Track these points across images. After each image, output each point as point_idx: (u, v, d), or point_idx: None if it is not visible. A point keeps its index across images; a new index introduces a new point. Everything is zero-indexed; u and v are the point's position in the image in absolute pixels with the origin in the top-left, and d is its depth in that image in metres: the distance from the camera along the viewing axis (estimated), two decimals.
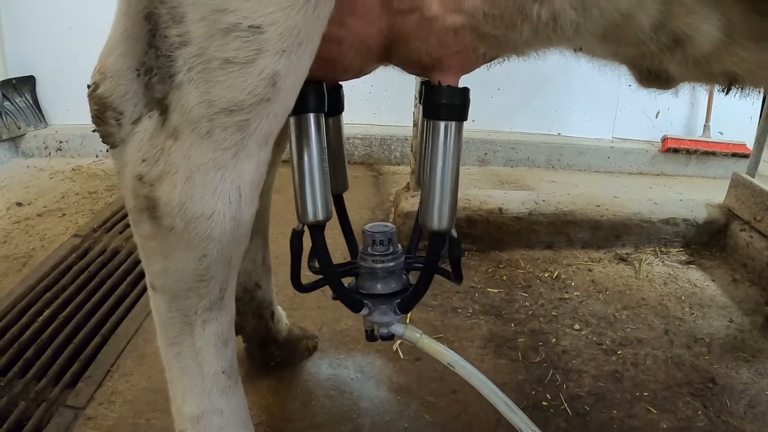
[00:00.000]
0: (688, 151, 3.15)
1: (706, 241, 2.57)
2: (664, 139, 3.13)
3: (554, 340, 1.93)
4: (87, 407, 1.60)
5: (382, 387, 1.70)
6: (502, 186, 2.79)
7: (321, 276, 1.29)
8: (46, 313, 2.00)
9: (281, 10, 0.81)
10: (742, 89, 1.12)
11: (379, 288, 1.31)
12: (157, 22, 0.86)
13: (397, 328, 1.33)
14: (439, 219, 1.14)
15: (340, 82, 1.26)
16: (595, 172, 3.17)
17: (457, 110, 1.08)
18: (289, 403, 1.63)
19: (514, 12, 0.92)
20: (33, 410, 1.61)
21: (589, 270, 2.35)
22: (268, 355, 1.74)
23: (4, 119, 3.41)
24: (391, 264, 1.32)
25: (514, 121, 3.19)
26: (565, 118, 3.17)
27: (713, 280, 2.39)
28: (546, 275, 2.29)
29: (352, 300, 1.29)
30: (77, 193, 2.98)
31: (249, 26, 0.82)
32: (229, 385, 1.11)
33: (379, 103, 2.90)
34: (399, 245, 1.36)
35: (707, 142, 3.20)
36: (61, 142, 3.51)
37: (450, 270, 1.29)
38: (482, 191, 2.45)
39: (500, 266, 2.33)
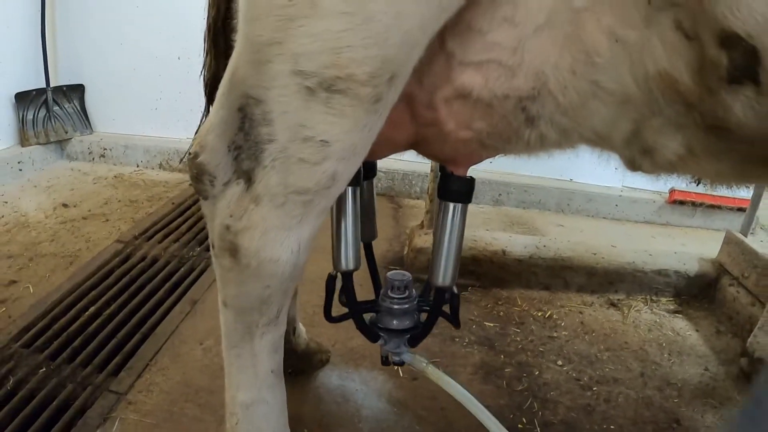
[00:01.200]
0: (693, 204, 3.44)
1: (697, 293, 2.84)
2: (671, 191, 3.41)
3: (537, 372, 2.25)
4: (128, 393, 1.95)
5: (382, 399, 2.04)
6: (511, 227, 3.10)
7: (347, 310, 1.66)
8: (92, 309, 2.36)
9: (345, 132, 1.14)
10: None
11: (395, 324, 1.67)
12: (250, 117, 1.20)
13: (407, 357, 1.69)
14: (443, 278, 1.51)
15: None
16: (603, 218, 3.45)
17: (464, 196, 1.45)
18: (302, 406, 1.97)
19: (510, 133, 1.25)
20: (79, 393, 1.95)
21: (580, 312, 2.66)
22: (288, 364, 2.08)
23: (53, 123, 3.83)
24: (405, 306, 1.68)
25: (529, 165, 3.50)
26: (578, 165, 3.47)
27: (697, 330, 2.67)
28: (539, 314, 2.61)
29: (371, 332, 1.65)
30: (119, 200, 3.35)
31: (320, 140, 1.14)
32: (276, 382, 1.48)
33: None
34: (414, 290, 1.72)
35: (713, 195, 3.47)
36: (104, 149, 3.92)
37: (451, 314, 1.67)
38: (489, 233, 2.79)
39: (499, 303, 2.66)
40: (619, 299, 2.79)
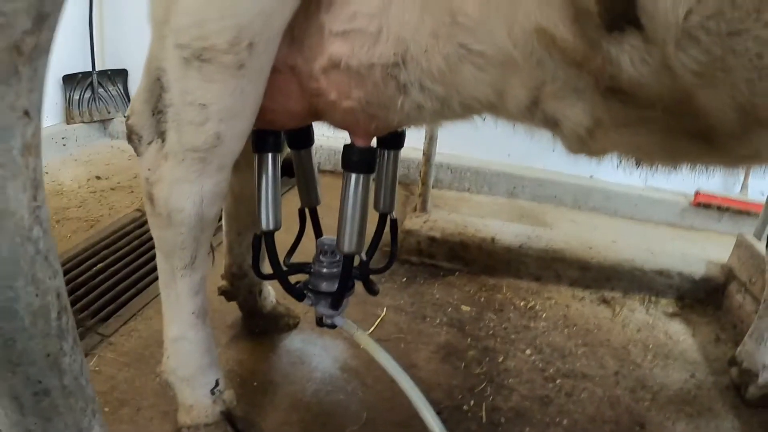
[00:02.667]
0: (719, 208, 3.31)
1: (703, 297, 2.76)
2: (697, 193, 3.29)
3: (501, 359, 2.28)
4: (111, 336, 2.19)
5: (336, 365, 2.14)
6: (520, 219, 3.11)
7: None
8: (100, 265, 2.61)
9: (218, 96, 1.30)
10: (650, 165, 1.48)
11: (323, 287, 1.77)
12: (161, 85, 1.37)
13: (338, 320, 1.78)
14: (349, 245, 1.60)
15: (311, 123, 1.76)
16: (621, 218, 3.38)
17: (364, 166, 1.53)
18: (259, 363, 2.13)
19: (387, 102, 1.33)
20: None
21: (566, 306, 2.65)
22: (254, 323, 2.26)
23: (97, 104, 4.17)
24: (334, 270, 1.78)
25: (548, 160, 3.48)
26: (599, 162, 3.42)
27: (693, 336, 2.60)
28: (522, 303, 2.62)
29: (295, 291, 1.76)
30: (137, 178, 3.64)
31: (199, 104, 1.31)
32: (197, 322, 1.64)
33: (420, 131, 3.34)
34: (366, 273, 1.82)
35: (742, 200, 3.33)
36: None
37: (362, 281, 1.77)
38: (481, 220, 2.83)
39: (483, 289, 2.69)
40: (613, 297, 2.76)
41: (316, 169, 1.90)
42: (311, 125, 1.79)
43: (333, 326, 1.79)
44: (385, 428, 1.91)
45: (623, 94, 1.09)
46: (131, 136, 1.52)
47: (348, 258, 1.62)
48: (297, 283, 1.80)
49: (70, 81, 4.03)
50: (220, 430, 1.71)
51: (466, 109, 1.32)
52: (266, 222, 1.63)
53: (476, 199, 3.34)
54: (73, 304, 2.34)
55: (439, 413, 1.97)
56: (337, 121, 1.47)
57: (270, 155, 1.61)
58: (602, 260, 2.72)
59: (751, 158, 1.25)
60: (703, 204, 3.24)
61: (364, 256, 1.68)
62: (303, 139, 1.79)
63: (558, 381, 2.21)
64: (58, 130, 3.86)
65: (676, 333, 2.61)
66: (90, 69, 4.12)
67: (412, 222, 2.76)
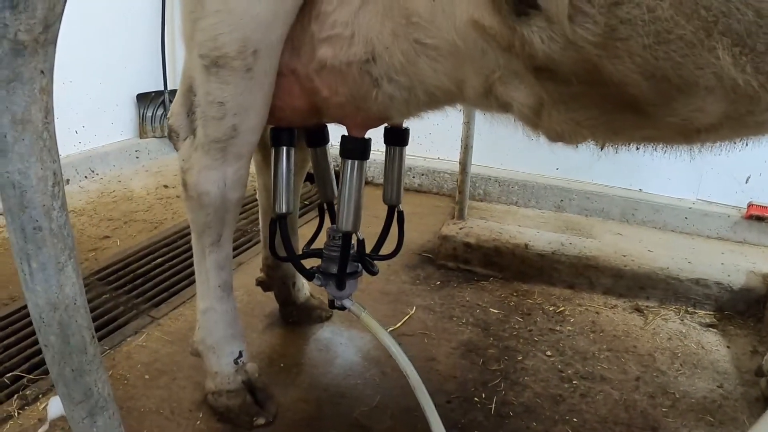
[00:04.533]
0: None
1: (744, 309, 2.75)
2: (750, 205, 3.24)
3: (520, 358, 2.41)
4: (160, 319, 2.53)
5: (359, 354, 2.35)
6: (565, 232, 3.18)
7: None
8: (159, 260, 2.96)
9: (232, 95, 1.62)
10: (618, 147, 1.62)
11: (331, 269, 1.99)
12: (192, 91, 1.71)
13: (346, 302, 2.00)
14: (346, 223, 1.83)
15: (325, 123, 2.01)
16: (671, 231, 3.37)
17: (358, 153, 1.78)
18: (288, 347, 2.38)
19: (366, 95, 1.58)
20: (126, 314, 2.56)
21: (597, 313, 2.73)
22: (288, 313, 2.51)
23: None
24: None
25: (595, 172, 3.53)
26: (648, 175, 3.42)
27: (728, 347, 2.60)
28: (551, 309, 2.73)
29: (305, 272, 1.99)
30: None
31: (218, 102, 1.63)
32: (223, 295, 1.94)
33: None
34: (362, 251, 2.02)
35: None
36: None
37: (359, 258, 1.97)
38: (516, 228, 2.96)
39: (515, 294, 2.82)
40: (647, 306, 2.80)
41: (332, 167, 2.14)
42: (326, 126, 2.04)
43: (342, 308, 2.00)
44: (394, 412, 2.08)
45: (547, 71, 1.27)
46: (171, 134, 1.87)
47: (346, 236, 1.83)
48: (313, 267, 2.03)
49: (143, 99, 4.44)
50: (240, 398, 1.98)
51: (431, 98, 1.55)
52: (280, 206, 1.90)
53: (523, 212, 3.46)
54: (130, 291, 2.70)
55: (448, 402, 2.18)
56: (333, 115, 1.73)
57: (284, 149, 1.89)
58: (636, 268, 2.78)
59: (689, 128, 1.36)
60: (755, 216, 3.20)
61: (360, 236, 1.89)
62: (318, 138, 2.07)
63: (574, 382, 2.31)
64: (131, 144, 4.31)
65: (710, 343, 2.62)
66: (162, 88, 4.52)
67: (449, 228, 2.94)
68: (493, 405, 2.16)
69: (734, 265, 2.87)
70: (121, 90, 4.09)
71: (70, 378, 0.92)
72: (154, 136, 4.51)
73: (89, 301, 2.51)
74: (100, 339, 2.37)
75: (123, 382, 2.17)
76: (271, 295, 2.53)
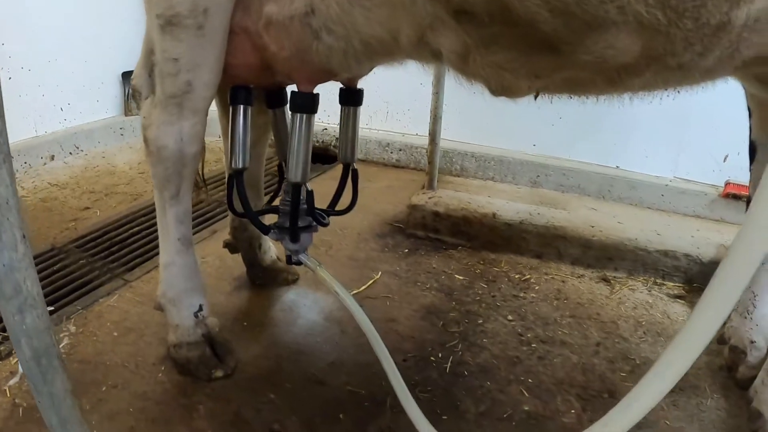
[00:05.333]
0: (750, 199, 3.21)
1: None
2: (727, 184, 3.28)
3: (481, 321, 2.48)
4: (133, 282, 2.63)
5: (320, 315, 2.44)
6: (539, 206, 3.28)
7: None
8: (136, 228, 3.06)
9: (185, 51, 1.74)
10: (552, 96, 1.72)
11: (286, 223, 2.08)
12: (152, 50, 1.83)
13: (302, 257, 2.09)
14: (295, 175, 1.94)
15: (284, 86, 2.11)
16: (647, 208, 3.42)
17: (307, 107, 1.88)
18: (253, 308, 2.49)
19: (308, 47, 1.68)
20: (100, 277, 2.66)
21: (563, 281, 2.79)
22: (254, 275, 2.61)
23: None
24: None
25: (573, 150, 3.59)
26: (625, 153, 3.47)
27: None
28: (517, 277, 2.80)
29: (261, 225, 2.08)
30: None
31: (173, 58, 1.76)
32: (182, 248, 2.04)
33: (447, 120, 3.57)
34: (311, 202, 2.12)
35: None
36: None
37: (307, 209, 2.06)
38: (485, 198, 3.03)
39: (482, 263, 2.89)
40: (615, 276, 2.86)
41: (289, 127, 2.24)
42: (284, 88, 2.15)
43: (299, 263, 2.09)
44: (348, 369, 2.17)
45: (465, 14, 1.38)
46: (134, 94, 2.00)
47: (295, 187, 1.93)
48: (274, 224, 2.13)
49: (128, 77, 4.47)
50: (200, 350, 2.08)
51: (368, 48, 1.65)
52: (236, 161, 2.00)
53: (499, 187, 3.52)
54: (106, 257, 2.81)
55: (404, 361, 2.26)
56: (282, 70, 1.83)
57: (242, 107, 1.99)
58: (604, 239, 2.85)
59: (608, 68, 1.44)
60: (733, 195, 3.25)
61: (309, 187, 1.99)
62: (277, 99, 2.17)
63: (533, 345, 2.38)
64: (116, 121, 4.42)
65: (676, 314, 2.68)
66: None
67: (418, 198, 3.02)
68: (449, 364, 2.23)
69: (705, 238, 2.92)
70: (107, 68, 4.19)
71: (1, 273, 1.00)
72: (139, 114, 4.63)
73: (66, 267, 2.68)
74: (74, 301, 2.49)
75: (92, 339, 2.27)
76: (240, 260, 2.62)
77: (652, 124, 3.39)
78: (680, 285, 2.86)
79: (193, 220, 3.08)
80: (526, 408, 2.05)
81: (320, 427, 1.91)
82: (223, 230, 3.08)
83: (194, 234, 2.99)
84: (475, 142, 3.90)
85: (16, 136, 3.68)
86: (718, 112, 3.19)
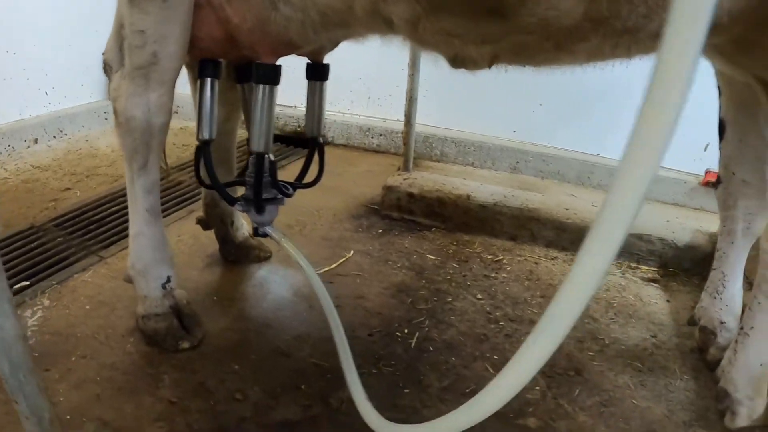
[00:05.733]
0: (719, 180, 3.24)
1: (689, 266, 2.84)
2: (707, 172, 3.31)
3: (450, 299, 2.52)
4: (108, 258, 2.68)
5: (290, 291, 2.49)
6: (514, 189, 3.31)
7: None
8: (114, 208, 3.11)
9: (151, 23, 1.80)
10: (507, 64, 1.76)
11: (250, 194, 2.14)
12: (122, 24, 1.88)
13: (267, 229, 2.15)
14: (258, 144, 2.00)
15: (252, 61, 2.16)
16: None
17: (270, 78, 1.94)
18: (224, 284, 2.54)
19: (267, 18, 1.73)
20: (77, 253, 2.71)
21: (536, 263, 2.84)
22: (227, 252, 2.66)
23: None
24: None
25: (554, 137, 3.63)
26: (606, 141, 3.51)
27: (668, 301, 2.68)
28: (489, 257, 2.84)
29: (228, 197, 2.13)
30: (174, 144, 4.12)
31: (139, 30, 1.81)
32: (150, 219, 2.09)
33: (428, 106, 3.61)
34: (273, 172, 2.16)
35: None
36: (177, 105, 4.72)
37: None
38: (460, 180, 3.08)
39: (455, 243, 2.93)
40: None
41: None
42: (251, 64, 2.18)
43: (265, 235, 2.13)
44: (313, 342, 2.21)
45: None
46: (105, 68, 2.07)
47: (258, 157, 1.98)
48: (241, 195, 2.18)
49: None
50: (167, 321, 2.13)
51: (325, 18, 1.70)
52: (203, 132, 2.05)
53: (478, 173, 3.56)
54: (83, 235, 2.86)
55: (369, 335, 2.30)
56: (245, 42, 1.89)
57: (209, 80, 2.04)
58: (579, 222, 2.88)
59: (553, 31, 1.48)
60: (712, 183, 3.26)
61: (272, 157, 2.04)
62: (246, 74, 2.21)
63: (501, 323, 2.42)
64: (100, 106, 4.45)
65: (649, 296, 2.71)
66: None
67: (394, 179, 3.07)
68: (414, 340, 2.27)
69: (680, 223, 2.96)
70: (91, 53, 4.20)
71: None
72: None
73: (43, 244, 2.73)
74: (49, 276, 2.55)
75: (65, 312, 2.32)
76: (214, 238, 2.67)
77: (633, 113, 3.42)
78: (655, 269, 2.89)
79: (170, 200, 3.17)
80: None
81: (281, 397, 1.96)
82: (198, 210, 3.13)
83: (172, 213, 3.08)
84: (456, 127, 3.95)
85: (0, 119, 3.74)
86: (698, 102, 3.20)
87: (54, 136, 3.99)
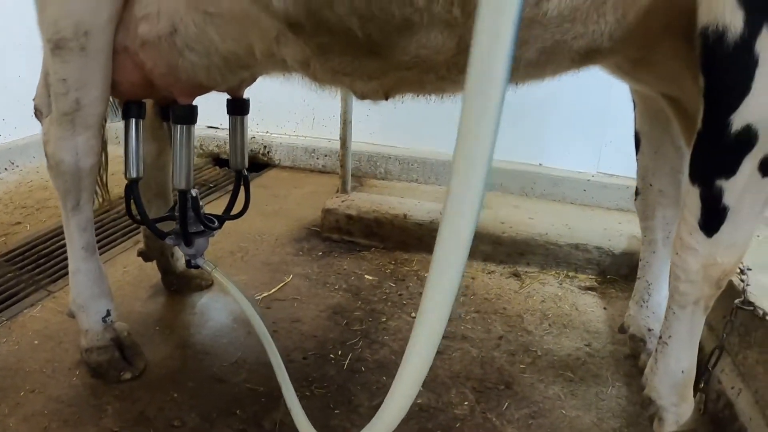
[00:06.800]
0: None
1: (627, 272, 3.07)
2: None
3: (384, 319, 2.78)
4: (56, 292, 2.94)
5: (229, 317, 2.76)
6: None
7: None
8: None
9: (72, 71, 2.05)
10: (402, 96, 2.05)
11: (178, 229, 2.42)
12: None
13: (199, 261, 2.43)
14: (179, 181, 2.29)
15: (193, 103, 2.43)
16: (570, 203, 3.73)
17: (187, 119, 2.23)
18: (166, 313, 2.82)
19: (176, 63, 2.01)
20: (26, 288, 2.98)
21: (473, 278, 3.11)
22: (169, 282, 2.93)
23: None
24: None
25: (496, 149, 3.88)
26: (548, 150, 3.78)
27: (605, 309, 2.93)
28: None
29: (158, 232, 2.41)
30: (120, 171, 4.30)
31: (62, 79, 2.06)
32: (86, 256, 2.35)
33: (371, 125, 3.90)
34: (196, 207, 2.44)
35: None
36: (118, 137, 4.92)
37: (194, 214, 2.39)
38: (397, 199, 3.36)
39: (393, 263, 3.21)
40: (526, 271, 3.17)
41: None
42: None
43: (197, 266, 2.41)
44: (251, 366, 2.47)
45: (297, 26, 1.72)
46: (36, 113, 2.32)
47: (182, 194, 2.27)
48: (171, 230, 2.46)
49: None
50: (109, 354, 2.39)
51: (228, 63, 1.99)
52: (131, 171, 2.31)
53: (423, 189, 3.84)
54: (33, 270, 3.14)
55: (304, 359, 2.57)
56: (161, 85, 2.15)
57: (133, 120, 2.30)
58: (515, 235, 3.16)
59: (434, 66, 1.77)
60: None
61: (194, 193, 2.32)
62: (167, 113, 2.47)
63: None
64: None
65: (585, 305, 2.97)
66: None
67: (332, 201, 3.37)
68: (347, 361, 2.52)
69: (617, 230, 3.23)
70: None
71: None
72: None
73: None
74: (0, 312, 2.81)
75: (14, 347, 2.56)
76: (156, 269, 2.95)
77: (574, 121, 3.70)
78: (593, 277, 3.16)
79: (116, 231, 3.44)
80: (419, 401, 2.30)
81: (217, 422, 2.20)
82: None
83: (118, 245, 3.35)
84: (399, 145, 4.23)
85: None
86: None
87: (5, 168, 4.26)
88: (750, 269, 2.60)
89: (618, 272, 3.14)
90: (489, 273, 3.18)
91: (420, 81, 1.88)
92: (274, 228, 3.54)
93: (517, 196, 3.80)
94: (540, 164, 3.89)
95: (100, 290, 2.39)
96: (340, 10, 1.62)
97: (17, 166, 4.38)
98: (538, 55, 1.74)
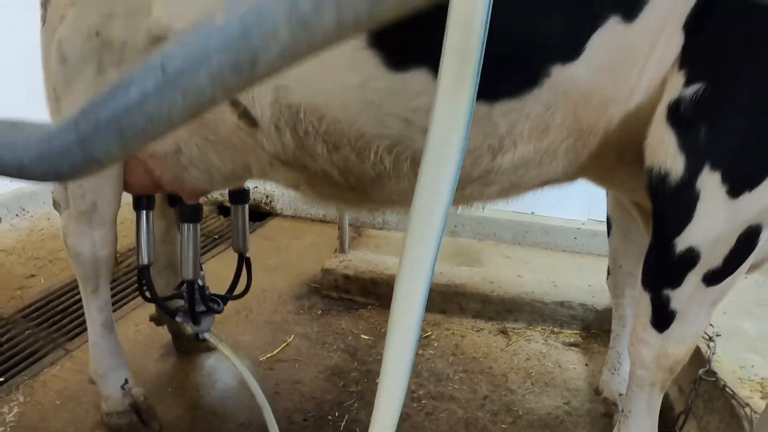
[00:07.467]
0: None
1: (610, 328, 3.28)
2: None
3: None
4: (74, 351, 3.28)
5: (235, 380, 3.10)
6: (456, 257, 3.85)
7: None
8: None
9: (88, 179, 2.37)
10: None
11: (186, 307, 2.78)
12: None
13: (206, 335, 2.79)
14: (186, 273, 2.63)
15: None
16: (561, 252, 4.04)
17: (193, 218, 2.58)
18: (177, 374, 3.18)
19: (182, 175, 2.35)
20: (44, 347, 3.34)
21: (462, 336, 3.47)
22: (179, 344, 3.30)
23: None
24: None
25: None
26: (540, 199, 4.08)
27: (586, 365, 3.28)
28: (420, 334, 3.47)
29: (168, 311, 2.78)
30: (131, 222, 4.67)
31: (78, 184, 2.38)
32: (104, 332, 2.69)
33: None
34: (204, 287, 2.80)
35: None
36: None
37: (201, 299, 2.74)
38: (392, 259, 3.72)
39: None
40: (513, 328, 3.54)
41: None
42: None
43: (204, 340, 2.79)
44: (255, 428, 2.84)
45: (286, 163, 2.09)
46: (55, 205, 2.64)
47: (189, 284, 2.64)
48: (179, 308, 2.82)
49: None
50: (128, 417, 2.76)
51: (227, 178, 2.36)
52: (143, 258, 2.66)
53: None
54: (50, 327, 3.50)
55: (305, 420, 2.93)
56: (168, 188, 2.49)
57: (144, 212, 2.65)
58: (503, 293, 3.52)
59: (396, 202, 2.17)
60: None
61: (200, 282, 2.68)
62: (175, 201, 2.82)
63: (423, 401, 3.03)
64: None
65: (568, 362, 3.33)
66: None
67: (330, 262, 3.74)
68: (344, 422, 2.89)
69: (602, 286, 3.56)
70: None
71: None
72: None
73: (14, 337, 3.36)
74: (22, 371, 3.16)
75: (38, 407, 2.92)
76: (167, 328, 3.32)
77: None
78: (577, 332, 3.51)
79: (129, 287, 3.81)
80: None
81: None
82: None
83: (130, 301, 3.72)
84: None
85: None
86: None
87: (17, 215, 4.62)
88: (719, 335, 2.97)
89: (601, 327, 3.49)
90: (478, 331, 3.54)
91: (400, 205, 2.24)
92: (276, 284, 3.91)
93: (509, 245, 4.14)
94: (533, 213, 4.23)
95: (118, 361, 2.76)
96: (321, 163, 1.99)
97: (27, 212, 4.72)
98: (499, 191, 2.10)
